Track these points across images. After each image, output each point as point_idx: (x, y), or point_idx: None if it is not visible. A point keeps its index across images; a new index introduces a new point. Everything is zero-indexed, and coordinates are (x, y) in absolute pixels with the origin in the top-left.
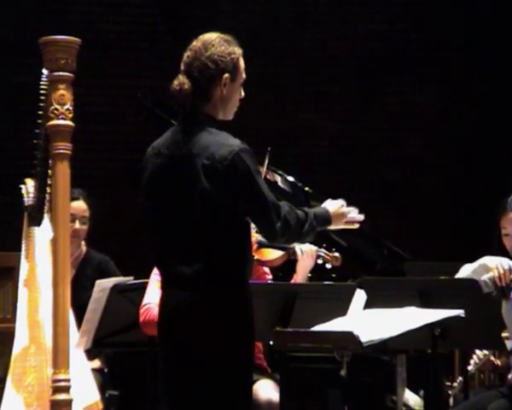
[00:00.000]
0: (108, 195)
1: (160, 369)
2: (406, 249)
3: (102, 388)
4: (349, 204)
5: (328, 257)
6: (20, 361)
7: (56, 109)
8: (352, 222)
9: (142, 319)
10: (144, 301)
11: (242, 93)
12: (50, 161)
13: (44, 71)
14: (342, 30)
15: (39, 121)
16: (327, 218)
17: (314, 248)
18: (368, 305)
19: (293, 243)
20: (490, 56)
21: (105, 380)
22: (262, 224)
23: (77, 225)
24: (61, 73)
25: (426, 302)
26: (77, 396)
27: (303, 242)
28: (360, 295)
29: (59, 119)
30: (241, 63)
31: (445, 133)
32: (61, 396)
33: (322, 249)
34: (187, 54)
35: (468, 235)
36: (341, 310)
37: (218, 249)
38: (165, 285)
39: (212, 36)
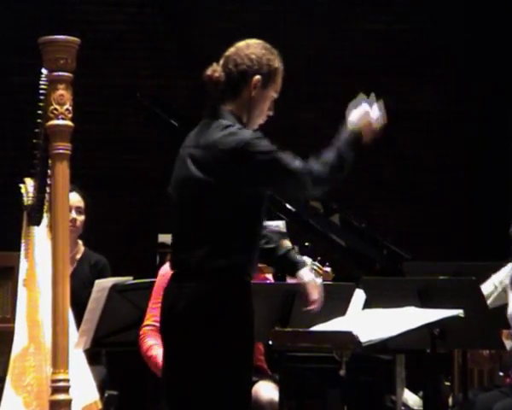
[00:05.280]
0: (107, 195)
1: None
2: (405, 249)
3: (101, 387)
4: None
5: (320, 271)
6: (19, 361)
7: (56, 109)
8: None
9: (148, 354)
10: (149, 322)
11: (271, 110)
12: (50, 161)
13: (44, 71)
14: (342, 30)
15: (39, 121)
16: (357, 138)
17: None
18: (367, 305)
19: (329, 185)
20: (490, 56)
21: (104, 380)
22: (290, 187)
23: (73, 214)
24: (60, 73)
25: (425, 302)
26: (76, 396)
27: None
28: (359, 295)
29: (58, 119)
30: (278, 77)
31: (445, 133)
32: (61, 396)
33: (316, 263)
34: (230, 49)
35: (468, 235)
36: (340, 310)
37: (223, 240)
38: (172, 274)
39: (258, 41)
